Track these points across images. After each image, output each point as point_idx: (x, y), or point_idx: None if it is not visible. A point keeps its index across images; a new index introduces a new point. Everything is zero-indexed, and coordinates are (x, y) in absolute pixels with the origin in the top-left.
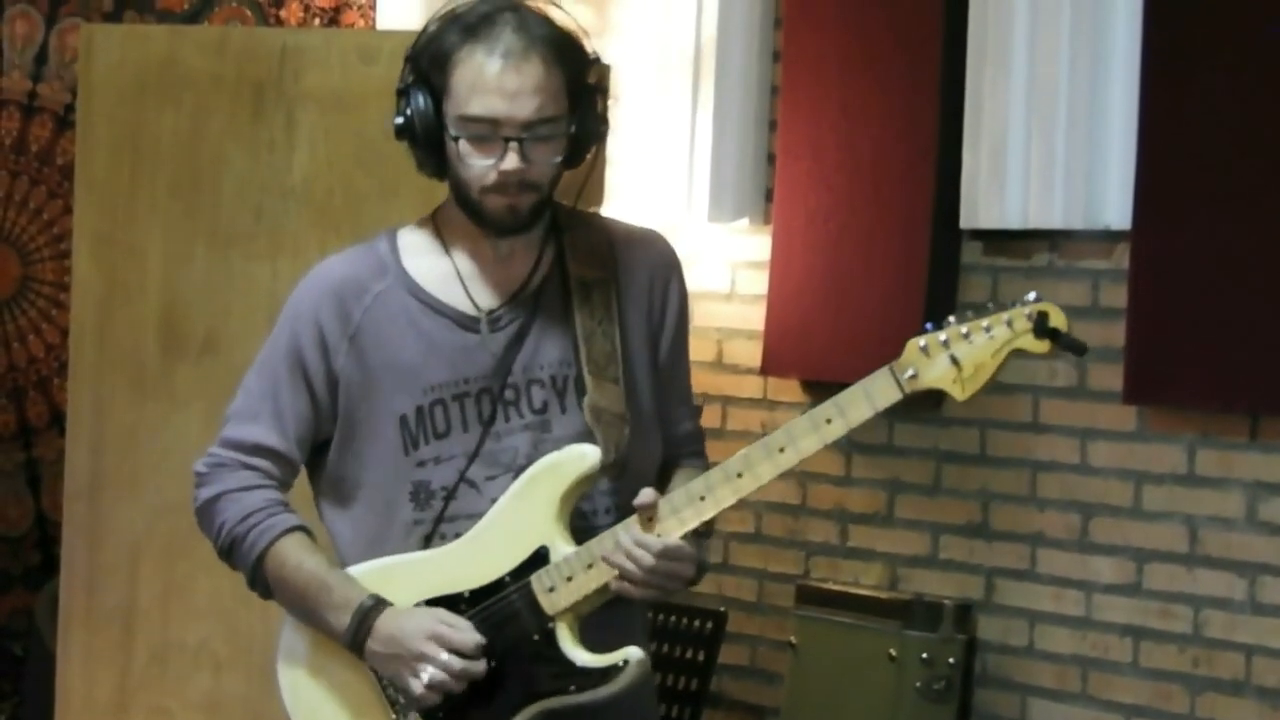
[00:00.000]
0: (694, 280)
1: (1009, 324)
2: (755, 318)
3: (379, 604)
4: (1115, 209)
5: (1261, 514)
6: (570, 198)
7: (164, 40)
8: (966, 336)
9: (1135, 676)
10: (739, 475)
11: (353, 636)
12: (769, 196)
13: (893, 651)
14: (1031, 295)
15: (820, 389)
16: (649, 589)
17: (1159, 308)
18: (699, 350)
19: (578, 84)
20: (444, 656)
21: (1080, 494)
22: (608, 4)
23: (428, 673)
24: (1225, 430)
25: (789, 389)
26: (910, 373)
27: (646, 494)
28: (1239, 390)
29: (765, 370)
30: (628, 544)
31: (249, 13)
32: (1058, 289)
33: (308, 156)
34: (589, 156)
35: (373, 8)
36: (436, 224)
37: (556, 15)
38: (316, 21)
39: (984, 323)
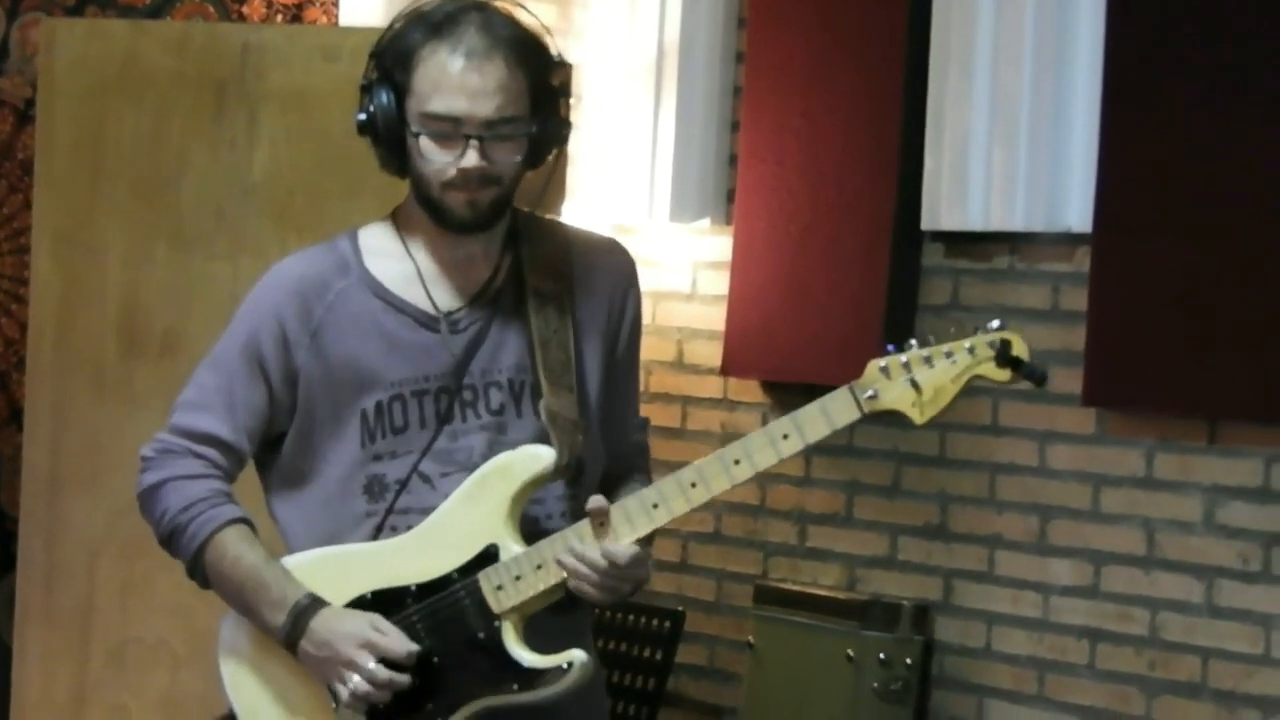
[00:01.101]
0: (655, 280)
1: (970, 350)
2: (716, 318)
3: (314, 604)
4: (1077, 212)
5: (1219, 518)
6: (532, 200)
7: (126, 36)
8: (928, 361)
9: (1092, 679)
10: (693, 485)
11: (287, 635)
12: (731, 197)
13: (850, 652)
14: (995, 323)
15: (780, 390)
16: (603, 592)
17: (1119, 312)
18: (660, 350)
19: (541, 85)
20: (371, 665)
21: (1039, 496)
22: (571, 5)
23: (353, 681)
24: (1184, 434)
25: (749, 389)
26: (870, 393)
27: (598, 500)
28: (1198, 395)
29: (725, 371)
30: (584, 550)
31: (211, 8)
32: (1018, 292)
33: (269, 155)
34: (550, 158)
35: (335, 4)
36: (397, 224)
37: (522, 16)
38: (279, 18)
39: (945, 348)
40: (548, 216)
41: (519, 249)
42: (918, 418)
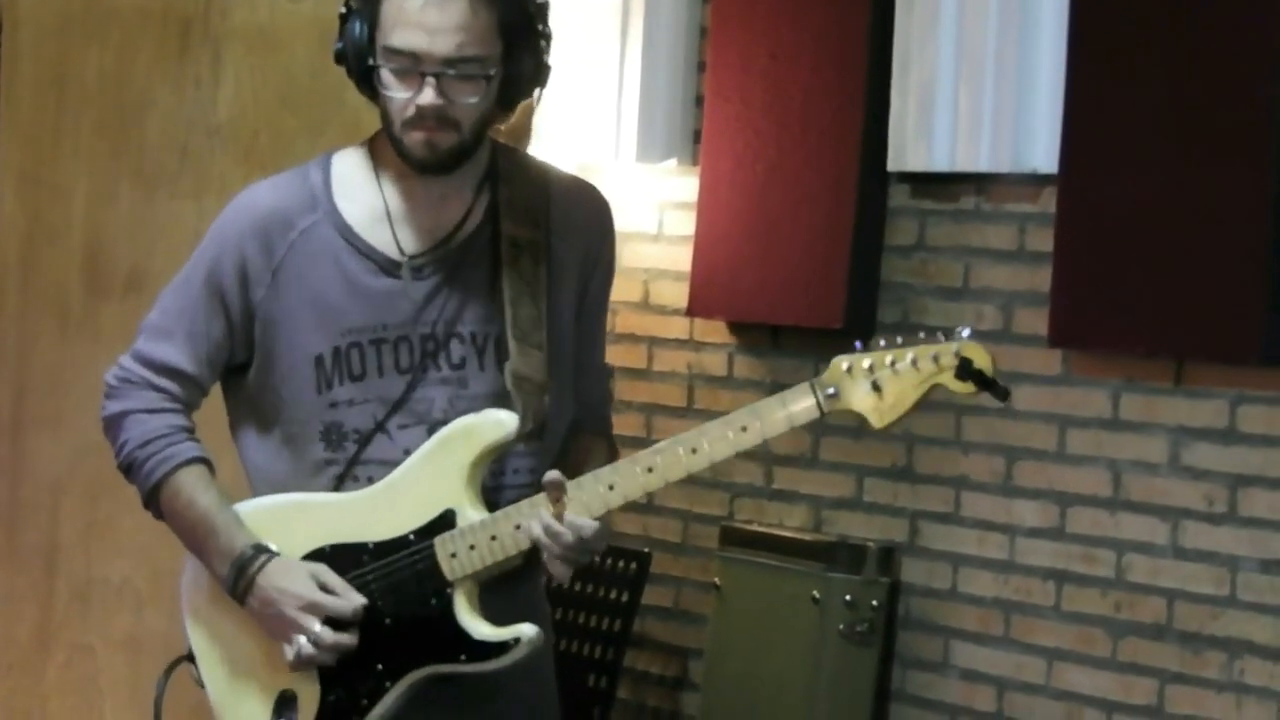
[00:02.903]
0: (621, 221)
1: (935, 359)
2: (682, 259)
3: (257, 555)
4: (1043, 153)
5: (1184, 459)
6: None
7: None
8: (892, 366)
9: (1057, 620)
10: (649, 470)
11: (232, 588)
12: (697, 138)
13: (816, 594)
14: (965, 332)
15: (746, 330)
16: (565, 564)
17: (1085, 252)
18: (626, 291)
19: (514, 26)
20: (316, 629)
21: (1004, 438)
22: None
23: (298, 643)
24: (1150, 375)
25: (715, 330)
26: (831, 391)
27: (553, 474)
28: (1164, 336)
29: (691, 311)
30: (550, 522)
31: None
32: (984, 232)
33: (234, 94)
34: (531, 100)
35: None
36: (373, 152)
37: None
38: None
39: (910, 354)
40: (528, 153)
41: (496, 189)
42: (877, 422)
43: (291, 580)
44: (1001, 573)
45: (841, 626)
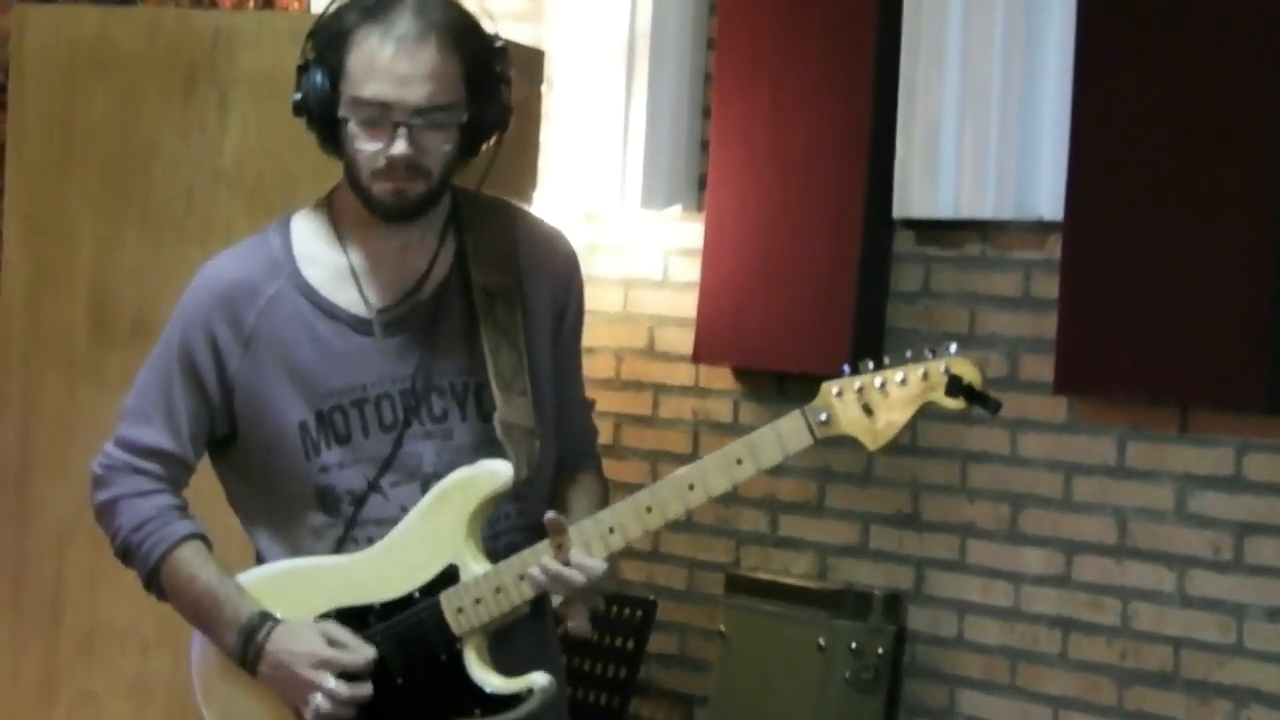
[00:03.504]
0: (626, 267)
1: (924, 377)
2: (687, 305)
3: (263, 622)
4: (1048, 200)
5: (1190, 507)
6: (474, 184)
7: (96, 20)
8: (881, 387)
9: (1064, 668)
10: (648, 510)
11: (241, 658)
12: (702, 184)
13: (822, 641)
14: (952, 347)
15: (752, 377)
16: (579, 608)
17: (1090, 299)
18: (631, 337)
19: (477, 71)
20: (330, 684)
21: (1010, 485)
22: None
23: (315, 701)
24: (1155, 423)
25: (721, 376)
26: (823, 417)
27: (553, 517)
28: (1169, 383)
29: (697, 358)
30: (555, 569)
31: None
32: (990, 279)
33: (240, 139)
34: (489, 145)
35: None
36: (332, 208)
37: (460, 1)
38: (250, 4)
39: (899, 374)
40: (489, 196)
41: (461, 236)
42: (871, 443)
43: (300, 641)
44: (1007, 620)
45: (847, 674)
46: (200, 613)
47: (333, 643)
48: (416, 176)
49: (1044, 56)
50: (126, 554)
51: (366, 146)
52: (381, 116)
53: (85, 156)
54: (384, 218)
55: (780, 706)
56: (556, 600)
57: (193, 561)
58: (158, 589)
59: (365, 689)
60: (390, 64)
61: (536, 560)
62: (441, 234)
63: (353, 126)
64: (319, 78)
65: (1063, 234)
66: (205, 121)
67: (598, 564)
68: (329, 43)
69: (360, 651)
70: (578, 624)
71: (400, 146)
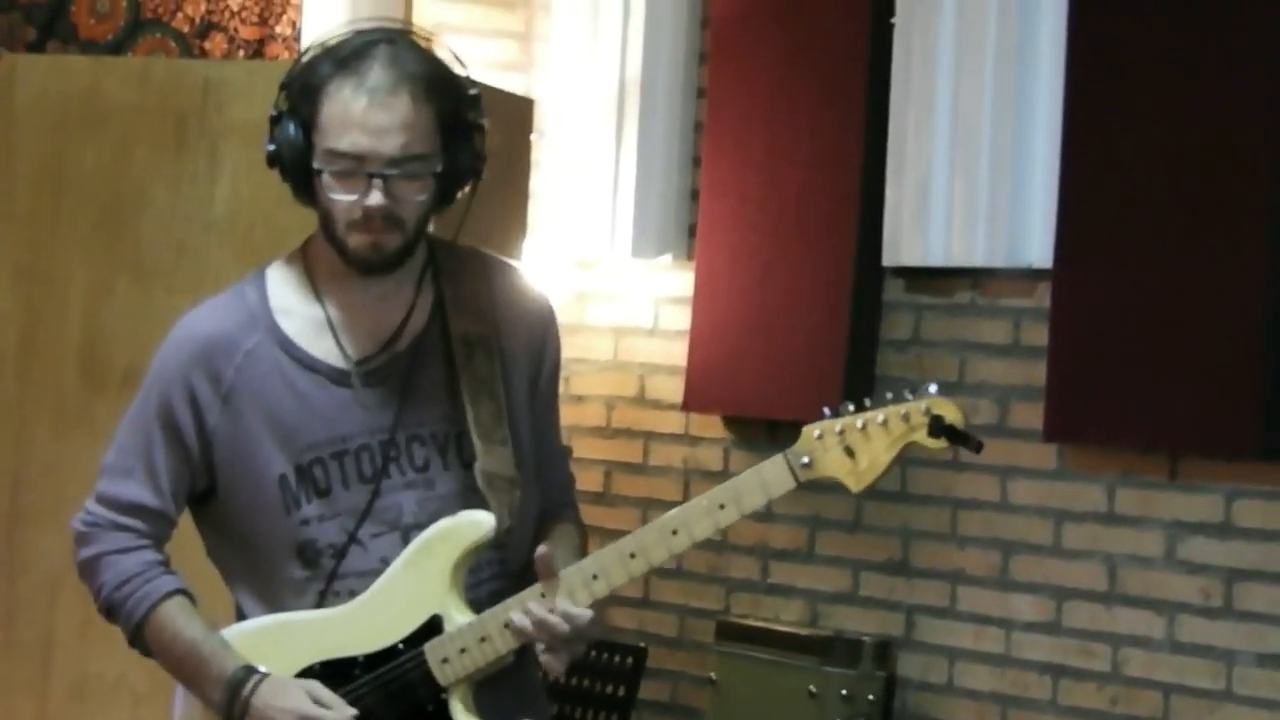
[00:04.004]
0: (617, 316)
1: (905, 418)
2: (678, 353)
3: (249, 676)
4: (1037, 247)
5: (1180, 553)
6: (449, 234)
7: (87, 71)
8: (863, 429)
9: (1054, 714)
10: (632, 556)
11: (227, 713)
12: (692, 233)
13: (813, 688)
14: (932, 388)
15: (742, 425)
16: (560, 655)
17: (1080, 347)
18: (622, 385)
19: (450, 120)
20: None
21: (1001, 532)
22: (533, 39)
23: None
24: (1145, 470)
25: (711, 425)
26: (805, 460)
27: (544, 554)
28: (1159, 430)
29: (688, 406)
30: (543, 615)
31: (173, 44)
32: (979, 327)
33: (230, 189)
34: (463, 194)
35: (297, 39)
36: (307, 260)
37: (434, 50)
38: (240, 54)
39: (880, 415)
40: (465, 245)
41: (439, 285)
42: (854, 486)
43: (285, 698)
44: (998, 667)
45: None
46: (185, 668)
47: (317, 701)
48: (392, 228)
49: (1033, 106)
50: (111, 611)
51: (341, 198)
52: (356, 168)
53: (76, 206)
54: (360, 270)
55: None
56: (540, 646)
57: (177, 617)
58: (142, 645)
59: None
60: (364, 116)
61: (521, 607)
62: (418, 284)
63: (327, 178)
64: (291, 129)
65: (1052, 282)
66: (196, 172)
67: (582, 612)
68: (301, 94)
69: (343, 713)
70: (553, 669)
71: (375, 198)
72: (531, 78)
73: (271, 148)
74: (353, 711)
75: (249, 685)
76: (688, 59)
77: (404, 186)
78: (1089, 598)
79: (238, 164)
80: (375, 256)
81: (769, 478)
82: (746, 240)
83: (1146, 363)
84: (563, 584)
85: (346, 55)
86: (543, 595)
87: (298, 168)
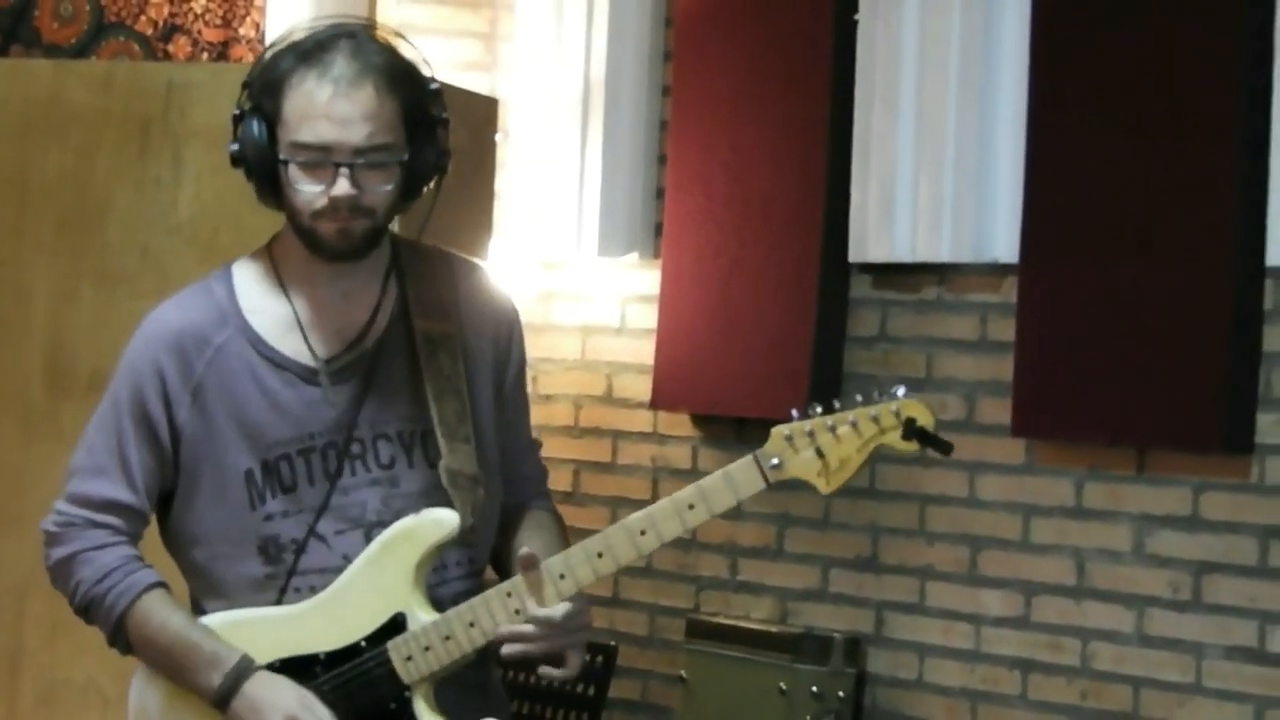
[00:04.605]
0: (584, 314)
1: (875, 420)
2: (645, 352)
3: (251, 665)
4: (1003, 243)
5: (1149, 547)
6: (413, 233)
7: (50, 76)
8: (833, 430)
9: (1024, 709)
10: (599, 555)
11: (224, 695)
12: (658, 231)
13: (783, 685)
14: (900, 390)
15: (710, 423)
16: (550, 647)
17: (1047, 342)
18: (589, 384)
19: (415, 113)
20: None
21: (969, 527)
22: (497, 39)
23: None
24: (1113, 464)
25: (679, 423)
26: (775, 461)
27: (527, 555)
28: (1126, 424)
29: (655, 404)
30: (516, 631)
31: (137, 47)
32: (946, 322)
33: (194, 193)
34: (428, 190)
35: (261, 42)
36: (273, 258)
37: (396, 44)
38: (205, 56)
39: (850, 417)
40: (428, 245)
41: (403, 285)
42: (824, 487)
43: (275, 692)
44: (968, 662)
45: (809, 718)
46: (174, 658)
47: (306, 707)
48: (359, 215)
49: (998, 101)
50: (89, 608)
51: (307, 189)
52: (322, 159)
53: (40, 211)
54: (329, 257)
55: None
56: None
57: (161, 609)
58: (123, 640)
59: None
60: (328, 106)
61: (488, 610)
62: (384, 283)
63: (293, 170)
64: (255, 126)
65: (1018, 277)
66: (159, 176)
67: (552, 611)
68: (264, 90)
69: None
70: (560, 674)
71: (343, 186)
72: (496, 77)
73: (235, 147)
74: (327, 716)
75: (248, 673)
76: (652, 57)
77: (370, 176)
78: (1058, 592)
79: (201, 167)
80: (344, 243)
81: (738, 479)
82: (712, 238)
83: (1113, 357)
84: (529, 585)
85: (310, 48)
86: (508, 595)
87: (263, 165)
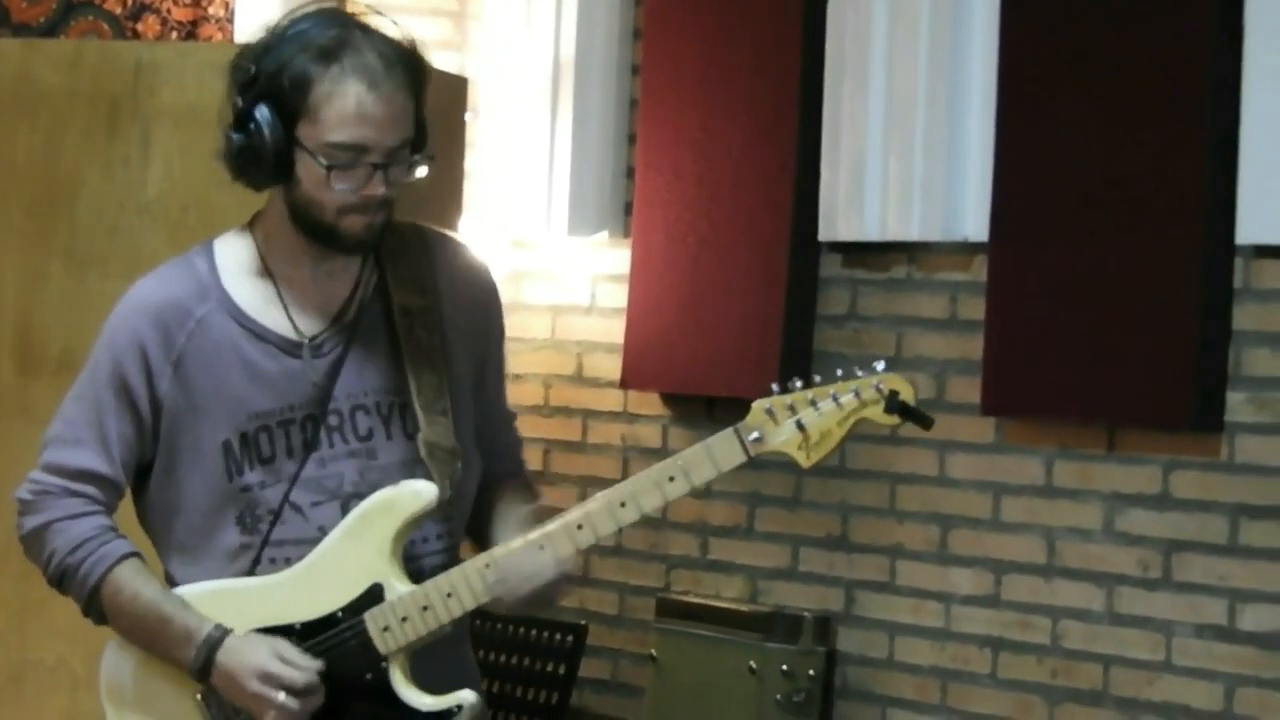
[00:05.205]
0: (554, 294)
1: (856, 394)
2: (615, 331)
3: (223, 635)
4: (973, 221)
5: (1119, 525)
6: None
7: (18, 55)
8: (814, 404)
9: (994, 688)
10: (579, 527)
11: (200, 668)
12: (628, 210)
13: (753, 664)
14: (880, 365)
15: (680, 402)
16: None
17: (1017, 320)
18: (559, 364)
19: (421, 101)
20: (280, 699)
21: (939, 506)
22: (466, 18)
23: (269, 718)
24: (1083, 442)
25: (649, 402)
26: (755, 435)
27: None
28: (1096, 402)
29: (625, 384)
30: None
31: (106, 26)
32: (916, 301)
33: (163, 173)
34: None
35: (230, 21)
36: (255, 238)
37: (400, 32)
38: (174, 35)
39: (831, 389)
40: (405, 222)
41: (381, 262)
42: (804, 461)
43: (246, 654)
44: (938, 641)
45: (779, 697)
46: (147, 629)
47: (279, 658)
48: (383, 210)
49: (968, 79)
50: (63, 578)
51: (340, 186)
52: (357, 159)
53: (8, 191)
54: (349, 251)
55: None
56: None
57: (135, 579)
58: (97, 610)
59: (316, 700)
60: (368, 109)
61: (465, 581)
62: (364, 260)
63: (321, 171)
64: (271, 118)
65: (988, 255)
66: (128, 155)
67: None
68: (283, 84)
69: (306, 670)
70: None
71: (379, 187)
72: (465, 56)
73: (239, 139)
74: (317, 665)
75: (219, 643)
76: (622, 36)
77: (397, 171)
78: (1028, 571)
79: (170, 147)
80: (368, 236)
81: (719, 452)
82: (682, 217)
83: (1083, 335)
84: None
85: (331, 46)
86: (486, 566)
87: (279, 158)
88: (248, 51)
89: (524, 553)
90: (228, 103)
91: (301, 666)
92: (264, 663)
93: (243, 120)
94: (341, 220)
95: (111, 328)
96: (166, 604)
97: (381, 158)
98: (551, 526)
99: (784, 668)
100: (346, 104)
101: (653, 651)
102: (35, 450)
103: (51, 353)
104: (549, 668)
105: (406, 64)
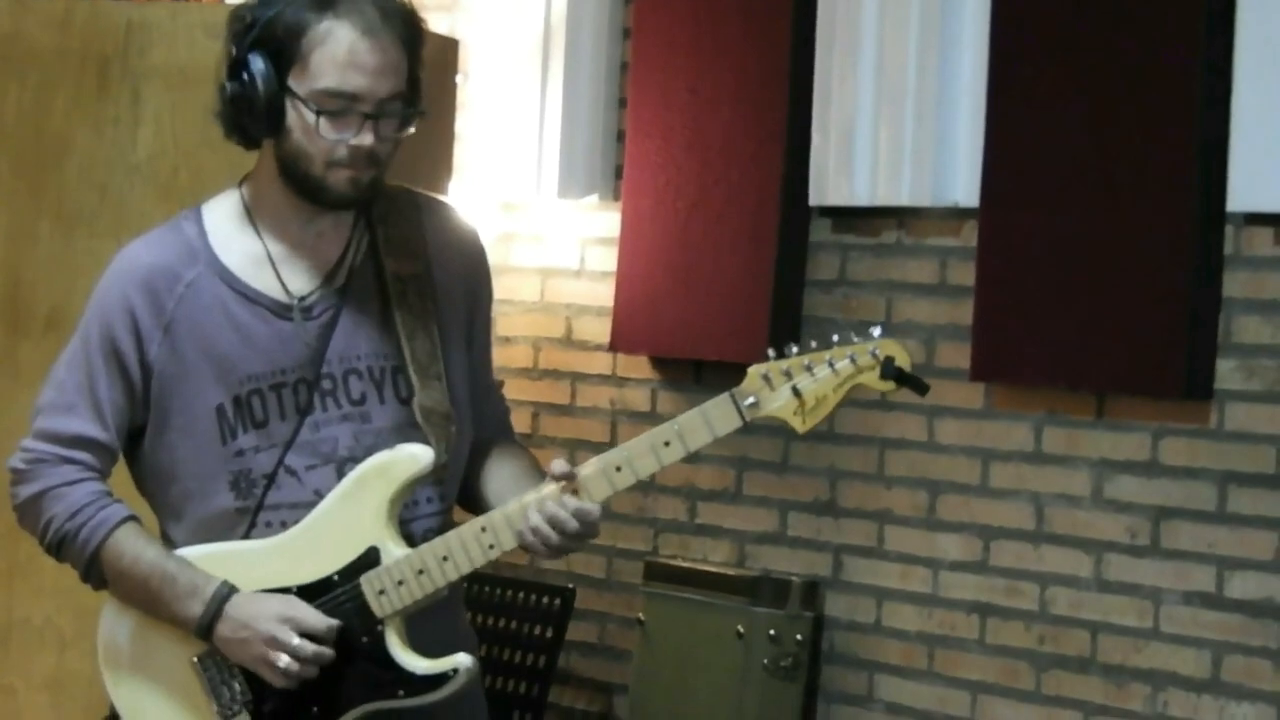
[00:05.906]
0: (543, 257)
1: (853, 359)
2: (605, 294)
3: (231, 590)
4: (963, 186)
5: (1107, 492)
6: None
7: (7, 14)
8: (809, 369)
9: (982, 653)
10: (574, 493)
11: (207, 624)
12: (618, 174)
13: (740, 628)
14: (876, 330)
15: (669, 365)
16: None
17: (1006, 286)
18: (548, 327)
19: (415, 58)
20: (295, 641)
21: (928, 472)
22: None
23: (283, 660)
24: (1072, 409)
25: (638, 365)
26: (751, 400)
27: (562, 467)
28: (1085, 369)
29: (614, 347)
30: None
31: None
32: (906, 267)
33: (153, 133)
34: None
35: None
36: (244, 199)
37: None
38: None
39: (827, 355)
40: (396, 185)
41: (372, 225)
42: (800, 426)
43: (261, 603)
44: (925, 606)
45: (766, 661)
46: (150, 590)
47: (289, 620)
48: (372, 165)
49: (958, 43)
50: (61, 543)
51: (329, 136)
52: (349, 108)
53: None
54: (334, 206)
55: (699, 694)
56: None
57: (135, 542)
58: (97, 576)
59: (328, 650)
60: (360, 56)
61: (461, 545)
62: (354, 223)
63: (311, 118)
64: (264, 66)
65: (978, 221)
66: (118, 114)
67: (591, 508)
68: (281, 33)
69: (322, 618)
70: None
71: (367, 137)
72: (456, 18)
73: (234, 87)
74: (331, 620)
75: (229, 597)
76: None
77: (387, 125)
78: (1016, 537)
79: (160, 107)
80: (353, 191)
81: (714, 417)
82: (672, 181)
83: (1072, 301)
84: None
85: None
86: (483, 530)
87: (271, 106)
88: (246, 3)
89: (519, 517)
90: (224, 55)
91: (319, 615)
92: (281, 607)
93: (236, 69)
94: (329, 174)
95: (101, 293)
96: (170, 562)
97: (372, 108)
98: (545, 490)
99: (771, 632)
100: (339, 49)
101: (640, 615)
102: (24, 409)
103: (40, 312)
104: (536, 631)
105: (405, 19)
